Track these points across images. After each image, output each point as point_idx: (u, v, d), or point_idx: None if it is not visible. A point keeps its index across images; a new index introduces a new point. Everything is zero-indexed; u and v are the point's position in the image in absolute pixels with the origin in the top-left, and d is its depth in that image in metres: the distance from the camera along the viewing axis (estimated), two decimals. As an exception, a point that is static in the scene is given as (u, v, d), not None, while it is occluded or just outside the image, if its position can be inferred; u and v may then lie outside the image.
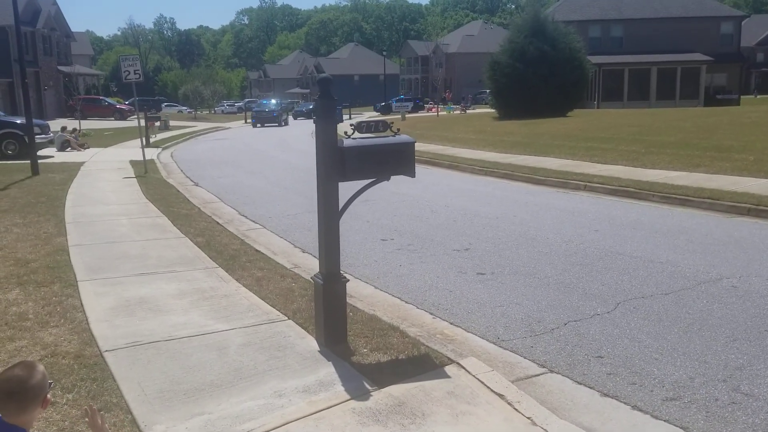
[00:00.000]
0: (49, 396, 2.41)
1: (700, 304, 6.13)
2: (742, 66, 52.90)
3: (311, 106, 62.29)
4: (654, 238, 8.85)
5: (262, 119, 47.82)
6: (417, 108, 63.48)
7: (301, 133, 38.81)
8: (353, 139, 4.79)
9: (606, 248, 8.36)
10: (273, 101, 55.60)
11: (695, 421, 4.07)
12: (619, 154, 17.01)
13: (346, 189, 4.90)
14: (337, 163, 4.73)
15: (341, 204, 4.98)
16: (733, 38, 49.23)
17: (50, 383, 2.44)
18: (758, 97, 61.77)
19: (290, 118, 56.32)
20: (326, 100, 4.74)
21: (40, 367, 2.42)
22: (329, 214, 4.86)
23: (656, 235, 9.09)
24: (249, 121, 50.28)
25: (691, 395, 4.40)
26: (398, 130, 4.99)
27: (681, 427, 4.01)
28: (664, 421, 4.11)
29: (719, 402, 4.29)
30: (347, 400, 4.17)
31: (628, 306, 6.15)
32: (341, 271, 5.08)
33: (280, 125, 46.75)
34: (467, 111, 54.77)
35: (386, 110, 61.63)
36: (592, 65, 40.13)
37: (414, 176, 5.02)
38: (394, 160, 4.90)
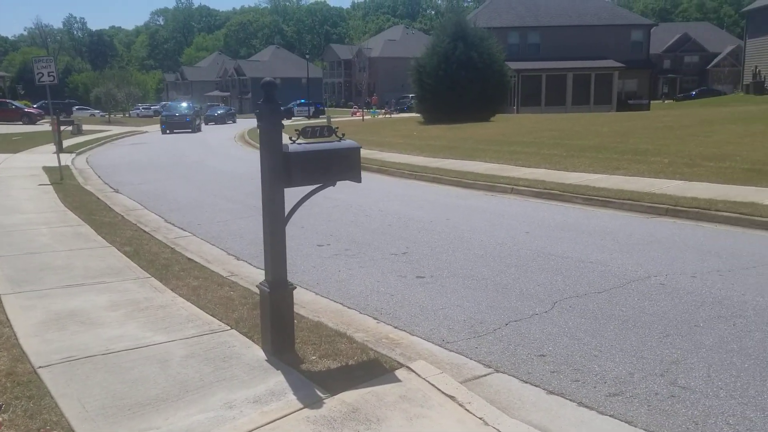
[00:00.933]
0: None
1: (632, 301, 6.38)
2: (652, 72, 55.59)
3: (222, 110, 59.90)
4: (582, 239, 9.15)
5: (172, 125, 42.69)
6: (317, 113, 62.83)
7: (223, 136, 38.11)
8: (298, 144, 4.72)
9: (538, 249, 8.58)
10: (184, 104, 50.73)
11: (638, 415, 4.23)
12: (542, 157, 17.52)
13: (290, 195, 4.83)
14: (283, 169, 4.66)
15: (287, 210, 4.90)
16: (642, 45, 51.68)
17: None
18: (666, 102, 65.09)
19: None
20: (270, 104, 4.65)
21: None
22: (275, 220, 4.78)
23: (584, 235, 9.41)
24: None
25: (632, 390, 4.56)
26: (343, 135, 4.96)
27: (626, 422, 4.16)
28: (610, 416, 4.24)
29: (659, 396, 4.46)
30: (300, 409, 4.10)
31: (565, 305, 6.33)
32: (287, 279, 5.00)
33: (193, 131, 42.51)
34: (392, 115, 55.24)
35: (287, 115, 61.21)
36: (512, 71, 41.23)
37: (360, 181, 5.01)
38: (340, 166, 4.87)
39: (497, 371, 4.95)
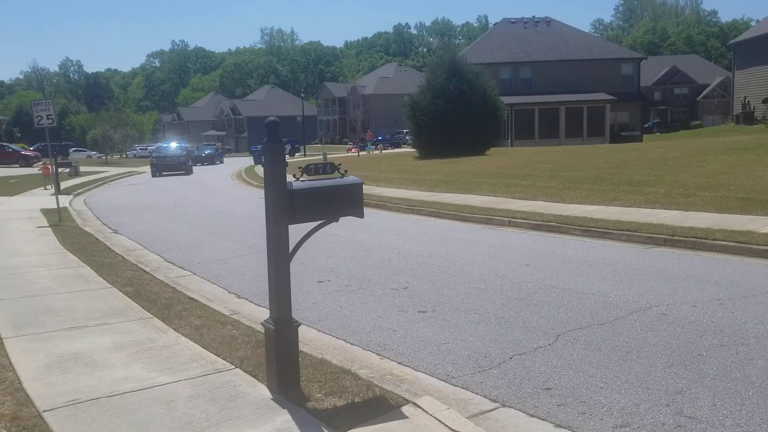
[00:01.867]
0: None
1: (635, 332, 6.39)
2: (643, 104, 56.26)
3: (210, 150, 58.05)
4: (582, 270, 9.19)
5: (163, 167, 39.65)
6: (293, 151, 62.06)
7: (217, 175, 38.27)
8: (302, 181, 4.78)
9: (539, 282, 8.60)
10: (175, 144, 48.66)
11: (647, 446, 4.22)
12: (539, 190, 17.64)
13: (292, 232, 4.87)
14: (287, 206, 4.71)
15: (291, 247, 4.94)
16: (633, 78, 52.40)
17: None
18: (658, 133, 65.72)
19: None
20: (274, 143, 4.73)
21: None
22: (279, 257, 4.81)
23: (584, 267, 9.45)
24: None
25: (639, 421, 4.55)
26: (346, 171, 5.03)
27: (635, 453, 4.15)
28: (618, 448, 4.24)
29: (666, 426, 4.46)
30: (308, 448, 4.08)
31: (568, 337, 6.34)
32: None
33: (186, 173, 39.76)
34: (383, 151, 55.63)
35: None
36: (505, 105, 41.70)
37: (362, 216, 5.06)
38: (343, 202, 4.92)
39: (504, 406, 4.94)
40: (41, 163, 31.74)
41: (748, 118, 47.33)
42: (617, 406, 4.79)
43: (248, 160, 51.65)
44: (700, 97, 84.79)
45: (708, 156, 20.88)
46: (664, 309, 7.09)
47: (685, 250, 10.33)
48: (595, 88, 49.56)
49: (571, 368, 5.56)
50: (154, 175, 38.74)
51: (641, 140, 47.36)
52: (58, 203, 17.46)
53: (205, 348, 6.01)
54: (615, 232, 11.74)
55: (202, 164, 52.11)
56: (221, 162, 56.28)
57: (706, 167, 18.30)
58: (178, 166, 40.39)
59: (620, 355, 5.78)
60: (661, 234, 11.09)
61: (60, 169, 23.33)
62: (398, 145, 64.85)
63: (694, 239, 10.55)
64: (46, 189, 26.91)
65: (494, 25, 67.54)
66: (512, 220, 13.83)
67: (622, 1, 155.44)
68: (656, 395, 4.94)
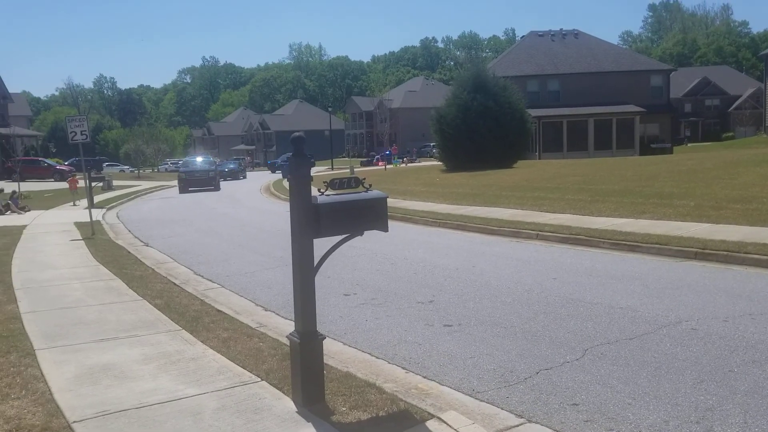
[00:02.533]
0: None
1: (664, 347, 6.30)
2: (673, 116, 55.59)
3: (233, 165, 55.25)
4: (610, 284, 9.08)
5: (191, 182, 37.45)
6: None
7: (246, 189, 38.62)
8: (327, 195, 4.83)
9: (566, 296, 8.53)
10: (200, 158, 45.33)
11: (676, 463, 4.15)
12: (567, 203, 17.50)
13: (317, 245, 4.91)
14: (312, 220, 4.75)
15: (315, 260, 4.97)
16: (662, 90, 51.84)
17: None
18: (689, 145, 64.83)
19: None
20: (300, 158, 4.78)
21: None
22: (305, 270, 4.85)
23: (612, 281, 9.34)
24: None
25: (668, 438, 4.48)
26: (370, 185, 5.06)
27: (664, 471, 4.08)
28: (647, 465, 4.17)
29: (696, 444, 4.38)
30: (332, 461, 4.09)
31: (596, 352, 6.27)
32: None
33: (215, 189, 37.43)
34: (409, 164, 55.69)
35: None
36: (533, 118, 41.53)
37: (387, 230, 5.08)
38: (368, 216, 4.95)
39: (530, 421, 4.89)
40: (70, 179, 31.15)
41: (781, 129, 46.45)
42: (645, 423, 4.72)
43: (273, 175, 51.83)
44: (731, 108, 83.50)
45: (740, 168, 20.54)
46: (695, 324, 6.97)
47: (717, 264, 10.15)
48: (624, 100, 49.13)
49: (598, 383, 5.49)
50: (182, 191, 36.92)
51: (672, 152, 46.77)
52: (91, 217, 17.80)
53: (231, 360, 6.07)
54: (644, 245, 11.59)
55: (225, 179, 48.35)
56: (244, 177, 54.15)
57: (738, 179, 17.99)
58: (207, 182, 38.12)
59: (649, 371, 5.70)
60: (692, 247, 10.92)
61: (93, 184, 23.85)
62: (425, 158, 64.89)
63: (725, 253, 10.36)
64: (74, 205, 26.93)
65: (521, 38, 67.50)
66: (540, 233, 13.73)
67: (650, 13, 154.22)
68: (686, 412, 4.85)
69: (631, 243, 11.83)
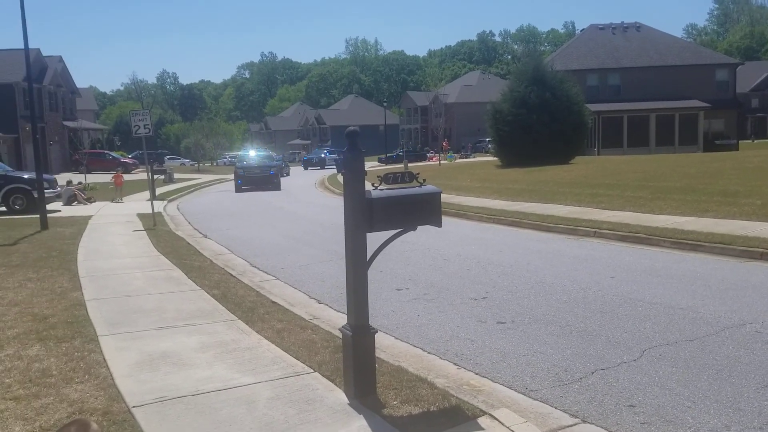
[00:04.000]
0: None
1: (726, 350, 6.09)
2: (739, 112, 53.57)
3: (277, 161, 43.60)
4: (671, 284, 8.83)
5: (251, 180, 32.89)
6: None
7: (304, 183, 39.03)
8: (380, 190, 4.83)
9: (624, 295, 8.33)
10: (256, 152, 40.48)
11: (738, 470, 4.01)
12: (626, 200, 17.09)
13: (370, 239, 4.93)
14: (365, 214, 4.76)
15: (369, 254, 4.99)
16: (728, 85, 49.97)
17: None
18: (755, 141, 62.41)
19: None
20: (354, 152, 4.80)
21: (95, 426, 2.40)
22: (358, 264, 4.87)
23: (672, 280, 9.08)
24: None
25: (730, 444, 4.33)
26: (424, 180, 5.04)
27: (724, 478, 3.95)
28: (706, 471, 4.04)
29: (759, 451, 4.22)
30: (383, 454, 4.11)
31: (654, 353, 6.11)
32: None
33: (277, 188, 32.85)
34: (466, 158, 55.22)
35: (320, 163, 60.38)
36: (592, 113, 40.66)
37: (440, 226, 5.06)
38: (421, 211, 4.94)
39: (584, 421, 4.81)
40: (114, 172, 30.06)
41: None
42: (705, 428, 4.57)
43: (322, 172, 51.44)
44: (803, 103, 79.84)
45: (812, 166, 19.67)
46: (759, 326, 6.72)
47: (785, 265, 9.75)
48: (687, 94, 47.58)
49: (656, 385, 5.35)
50: (237, 190, 32.43)
51: (737, 149, 45.08)
52: (153, 208, 18.31)
53: (285, 351, 6.15)
54: (707, 244, 11.22)
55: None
56: (287, 174, 47.15)
57: (810, 178, 17.23)
58: (266, 180, 33.19)
59: (710, 374, 5.52)
60: (758, 247, 10.51)
61: (155, 176, 24.50)
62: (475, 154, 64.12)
63: (794, 254, 9.95)
64: (115, 202, 25.61)
65: (581, 31, 66.05)
66: (597, 230, 13.45)
67: (716, 6, 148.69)
68: (748, 417, 4.68)
69: (693, 242, 11.47)
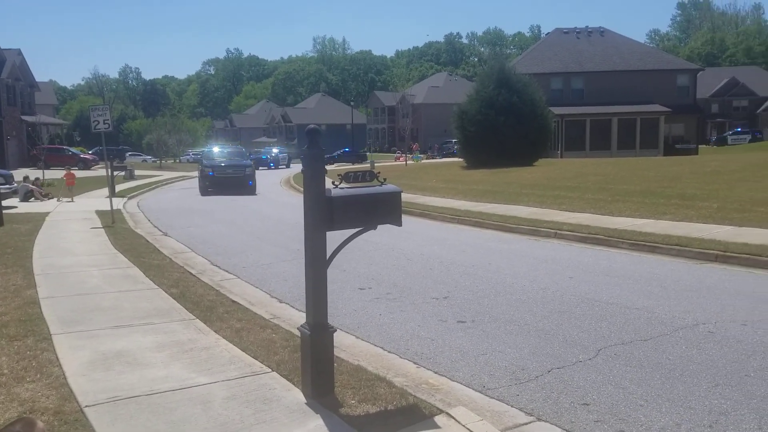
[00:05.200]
0: None
1: (679, 350, 6.22)
2: (699, 117, 54.80)
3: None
4: (627, 285, 8.99)
5: (222, 183, 27.51)
6: (288, 161, 58.99)
7: (269, 181, 38.75)
8: (341, 188, 4.82)
9: (582, 295, 8.45)
10: (226, 149, 34.74)
11: (686, 467, 4.09)
12: (586, 202, 17.35)
13: (331, 238, 4.91)
14: (325, 213, 4.75)
15: (328, 253, 4.97)
16: (689, 90, 51.11)
17: None
18: (715, 146, 63.95)
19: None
20: (314, 150, 4.78)
21: (40, 425, 2.35)
22: (317, 263, 4.85)
23: (629, 281, 9.25)
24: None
25: (680, 441, 4.42)
26: (385, 179, 5.04)
27: (673, 474, 4.02)
28: (656, 468, 4.12)
29: (708, 448, 4.32)
30: (339, 454, 4.09)
31: (609, 352, 6.21)
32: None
33: (253, 193, 27.73)
34: (433, 159, 55.48)
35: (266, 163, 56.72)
36: (555, 116, 41.20)
37: (401, 225, 5.06)
38: (381, 209, 4.94)
39: (539, 419, 4.86)
40: (65, 170, 27.02)
41: (811, 132, 45.61)
42: (657, 425, 4.66)
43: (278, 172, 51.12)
44: (760, 110, 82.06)
45: (765, 170, 20.21)
46: (712, 327, 6.88)
47: (738, 267, 10.00)
48: (649, 99, 48.51)
49: (610, 384, 5.44)
50: (205, 192, 27.83)
51: (696, 153, 46.14)
52: (111, 205, 17.98)
53: (243, 351, 6.09)
54: (664, 246, 11.45)
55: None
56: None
57: (764, 182, 17.71)
58: (241, 181, 27.74)
59: (663, 373, 5.63)
60: (713, 250, 10.77)
61: (115, 173, 23.99)
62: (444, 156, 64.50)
63: (747, 256, 10.21)
64: (59, 201, 23.54)
65: (546, 35, 66.84)
66: (558, 232, 13.63)
67: (679, 12, 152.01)
68: (699, 415, 4.79)
69: (651, 244, 11.70)
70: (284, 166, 53.37)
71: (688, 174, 21.26)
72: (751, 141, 66.85)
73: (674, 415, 4.80)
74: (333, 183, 4.86)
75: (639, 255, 11.36)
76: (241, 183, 27.72)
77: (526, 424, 4.79)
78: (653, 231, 12.67)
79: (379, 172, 5.07)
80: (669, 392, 5.22)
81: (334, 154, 63.48)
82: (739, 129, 74.22)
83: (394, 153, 67.93)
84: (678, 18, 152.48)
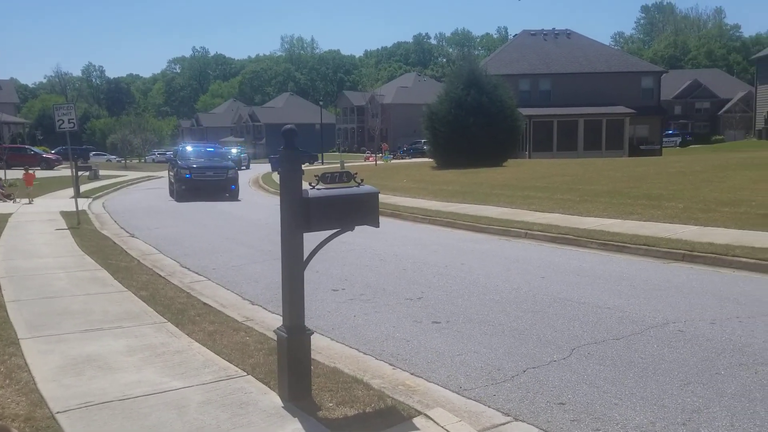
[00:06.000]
0: None
1: (651, 348, 6.31)
2: (663, 118, 55.85)
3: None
4: (598, 284, 9.10)
5: (201, 187, 24.41)
6: (248, 161, 57.58)
7: (240, 182, 38.33)
8: (318, 189, 4.78)
9: (554, 295, 8.53)
10: (191, 148, 28.69)
11: (662, 465, 4.14)
12: (555, 202, 17.54)
13: (306, 240, 4.87)
14: (302, 214, 4.70)
15: (305, 255, 4.93)
16: (653, 92, 52.10)
17: None
18: (678, 147, 65.24)
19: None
20: (290, 151, 4.74)
21: None
22: (294, 264, 4.81)
23: (599, 281, 9.36)
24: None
25: (655, 439, 4.48)
26: (362, 180, 5.02)
27: (649, 472, 4.07)
28: (633, 466, 4.16)
29: (682, 445, 4.38)
30: (318, 457, 4.06)
31: (583, 352, 6.27)
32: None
33: (236, 198, 25.18)
34: (402, 159, 55.62)
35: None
36: (524, 117, 41.60)
37: (378, 226, 5.05)
38: (359, 210, 4.92)
39: (516, 419, 4.88)
40: (23, 170, 25.79)
41: (770, 133, 46.81)
42: (632, 424, 4.72)
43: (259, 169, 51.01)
44: (721, 111, 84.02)
45: (729, 171, 20.66)
46: (682, 326, 7.00)
47: (704, 266, 10.20)
48: (614, 101, 49.33)
49: (585, 383, 5.49)
50: (181, 197, 24.60)
51: (660, 154, 47.02)
52: (77, 206, 17.63)
53: (217, 354, 6.01)
54: (632, 246, 11.62)
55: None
56: None
57: (727, 182, 18.10)
58: (223, 185, 25.08)
59: (636, 372, 5.71)
60: (680, 249, 10.96)
61: (80, 173, 23.46)
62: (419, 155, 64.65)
63: (713, 255, 10.41)
64: (15, 201, 22.97)
65: (514, 36, 67.55)
66: (529, 232, 13.75)
67: (643, 15, 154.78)
68: (672, 413, 4.86)
69: (619, 243, 11.87)
70: (245, 167, 50.43)
71: (654, 174, 21.63)
72: (681, 144, 68.45)
73: (648, 414, 4.87)
74: (310, 184, 4.82)
75: (608, 255, 11.51)
76: (223, 187, 25.20)
77: (504, 424, 4.81)
78: (621, 231, 12.85)
79: (356, 173, 5.05)
80: (642, 391, 5.29)
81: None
82: (671, 131, 75.93)
83: (364, 153, 67.83)
84: (642, 21, 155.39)
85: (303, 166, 4.83)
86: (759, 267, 9.71)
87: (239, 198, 25.20)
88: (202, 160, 26.53)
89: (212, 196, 24.40)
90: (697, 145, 68.09)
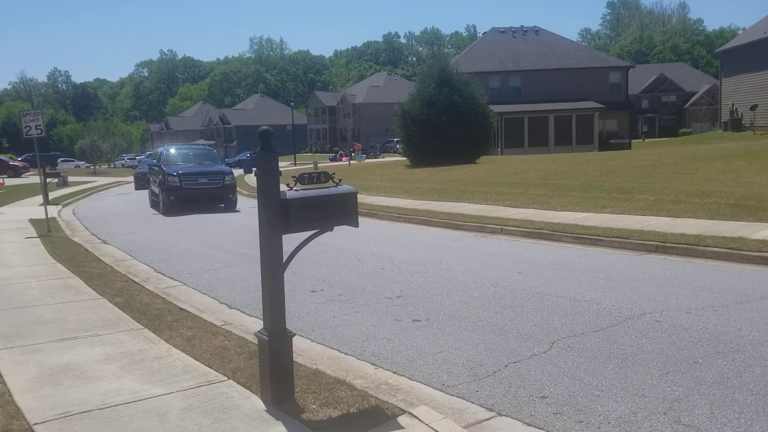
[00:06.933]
0: None
1: (629, 339, 6.38)
2: (631, 112, 56.61)
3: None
4: (575, 278, 9.18)
5: (194, 196, 21.10)
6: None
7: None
8: (296, 190, 4.75)
9: (532, 289, 8.59)
10: (174, 151, 24.59)
11: (646, 454, 4.18)
12: (529, 198, 17.67)
13: (285, 241, 4.83)
14: (281, 216, 4.66)
15: (284, 257, 4.89)
16: (621, 87, 52.81)
17: None
18: (646, 140, 66.17)
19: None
20: (267, 152, 4.69)
21: None
22: (274, 266, 4.77)
23: (576, 274, 9.45)
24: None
25: (637, 429, 4.52)
26: (340, 180, 4.99)
27: (633, 462, 4.11)
28: (617, 456, 4.20)
29: (664, 434, 4.43)
30: (304, 460, 4.03)
31: (563, 345, 6.32)
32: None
33: (233, 208, 21.99)
34: (375, 158, 55.63)
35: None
36: (495, 114, 41.86)
37: (357, 226, 5.04)
38: (338, 211, 4.89)
39: (500, 414, 4.90)
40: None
41: (736, 125, 47.59)
42: (614, 415, 4.76)
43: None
44: (687, 104, 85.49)
45: (697, 163, 21.00)
46: (658, 316, 7.09)
47: (677, 257, 10.35)
48: (583, 96, 49.89)
49: (566, 376, 5.53)
50: (169, 209, 20.87)
51: (630, 148, 47.64)
52: (46, 213, 17.32)
53: (197, 359, 5.94)
54: (606, 239, 11.75)
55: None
56: None
57: (696, 174, 18.39)
58: (219, 193, 21.79)
59: (615, 363, 5.76)
60: (653, 241, 11.11)
61: (48, 180, 23.05)
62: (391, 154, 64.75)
63: (685, 246, 10.57)
64: None
65: (483, 34, 67.89)
66: (504, 227, 13.83)
67: (609, 11, 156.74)
68: (653, 403, 4.91)
69: (593, 237, 11.99)
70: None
71: (625, 168, 21.89)
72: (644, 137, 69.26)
73: (630, 404, 4.92)
74: (288, 185, 4.78)
75: (583, 248, 11.63)
76: (220, 196, 21.71)
77: (488, 419, 4.82)
78: (595, 224, 12.99)
79: (334, 173, 5.02)
80: (623, 381, 5.35)
81: (237, 158, 60.01)
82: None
83: (336, 153, 67.69)
84: (608, 17, 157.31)
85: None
86: (730, 256, 9.89)
87: (238, 208, 22.04)
88: (192, 164, 22.78)
89: (206, 207, 21.27)
90: (663, 138, 69.19)
